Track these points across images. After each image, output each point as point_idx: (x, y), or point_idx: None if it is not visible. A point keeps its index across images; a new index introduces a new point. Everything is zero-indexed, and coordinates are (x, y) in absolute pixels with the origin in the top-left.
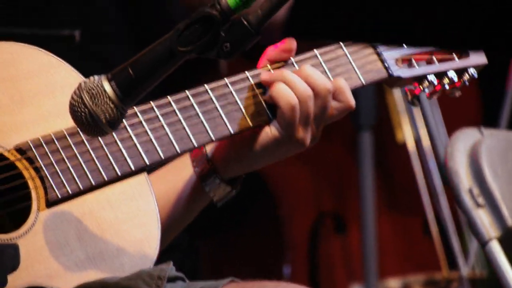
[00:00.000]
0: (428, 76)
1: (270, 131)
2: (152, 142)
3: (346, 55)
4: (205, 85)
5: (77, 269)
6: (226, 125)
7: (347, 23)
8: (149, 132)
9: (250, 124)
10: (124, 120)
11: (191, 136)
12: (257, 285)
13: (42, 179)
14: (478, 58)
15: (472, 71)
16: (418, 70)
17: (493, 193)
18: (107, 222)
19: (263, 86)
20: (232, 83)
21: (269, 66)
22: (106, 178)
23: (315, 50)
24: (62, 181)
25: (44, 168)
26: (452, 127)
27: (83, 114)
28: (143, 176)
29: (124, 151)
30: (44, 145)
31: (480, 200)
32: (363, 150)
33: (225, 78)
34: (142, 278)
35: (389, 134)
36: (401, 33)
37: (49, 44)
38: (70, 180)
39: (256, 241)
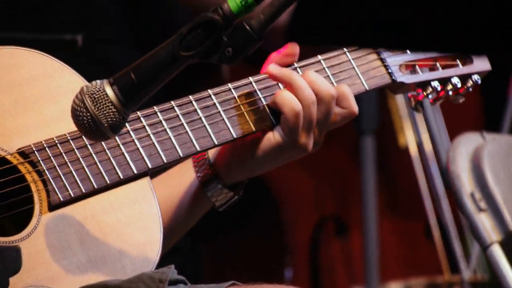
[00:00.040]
0: (431, 82)
1: (273, 137)
2: (155, 146)
3: (349, 61)
4: (209, 90)
5: (79, 272)
6: (229, 130)
7: (348, 27)
8: (152, 137)
9: (253, 128)
10: (127, 125)
11: (194, 140)
12: None
13: (45, 182)
14: (481, 65)
15: (475, 77)
16: (421, 76)
17: (495, 198)
18: (109, 225)
19: (267, 92)
20: (236, 88)
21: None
22: (108, 182)
23: (318, 56)
24: (65, 185)
25: (46, 172)
26: (454, 131)
27: (85, 118)
28: (145, 180)
29: (127, 155)
30: (47, 148)
31: (482, 204)
32: (365, 155)
33: (229, 84)
34: (144, 281)
35: (392, 139)
36: (401, 35)
37: (52, 48)
38: (73, 183)
39: (258, 245)
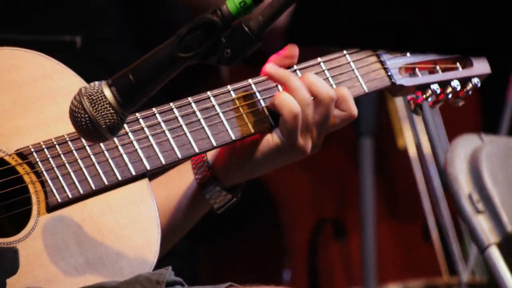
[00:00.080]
0: (431, 85)
1: (271, 139)
2: (153, 147)
3: (349, 63)
4: (208, 92)
5: (76, 273)
6: (228, 132)
7: (348, 28)
8: (151, 138)
9: (252, 130)
10: (125, 126)
11: (192, 142)
12: None
13: (43, 183)
14: (481, 68)
15: (475, 80)
16: (421, 79)
17: (492, 199)
18: (107, 227)
19: (266, 94)
20: (235, 90)
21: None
22: (107, 183)
23: (318, 58)
24: (63, 186)
25: (45, 173)
26: (452, 133)
27: (83, 119)
28: (144, 182)
29: (125, 156)
30: (45, 150)
31: (480, 206)
32: (363, 157)
33: (228, 85)
34: (141, 282)
35: (391, 141)
36: (401, 36)
37: (51, 49)
38: (71, 185)
39: (257, 247)
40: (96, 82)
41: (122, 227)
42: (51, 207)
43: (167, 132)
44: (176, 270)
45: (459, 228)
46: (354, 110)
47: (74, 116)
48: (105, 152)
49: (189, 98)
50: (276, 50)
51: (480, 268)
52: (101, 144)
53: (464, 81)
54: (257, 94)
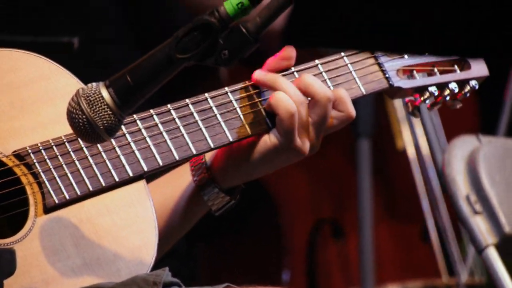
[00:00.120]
0: (429, 87)
1: (269, 139)
2: (151, 149)
3: (347, 65)
4: (206, 93)
5: (73, 274)
6: (225, 133)
7: (345, 29)
8: (148, 139)
9: (249, 132)
10: (123, 127)
11: (190, 143)
12: None
13: (40, 184)
14: (479, 70)
15: (473, 83)
16: (419, 81)
17: (490, 200)
18: (104, 228)
19: (264, 95)
20: (233, 92)
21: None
22: (104, 185)
23: (316, 60)
24: (60, 187)
25: (42, 174)
26: (450, 134)
27: (80, 121)
28: (141, 183)
29: (122, 158)
30: (42, 151)
31: (478, 207)
32: (361, 158)
33: (226, 87)
34: (138, 283)
35: (390, 142)
36: (399, 37)
37: (48, 51)
38: (68, 186)
39: (256, 248)
40: (94, 83)
41: (119, 229)
42: (48, 208)
43: (164, 133)
44: (174, 271)
45: (458, 229)
46: (352, 111)
47: (72, 117)
48: (103, 153)
49: (187, 100)
50: (276, 50)
51: (479, 269)
52: (99, 146)
53: (462, 83)
54: (255, 95)
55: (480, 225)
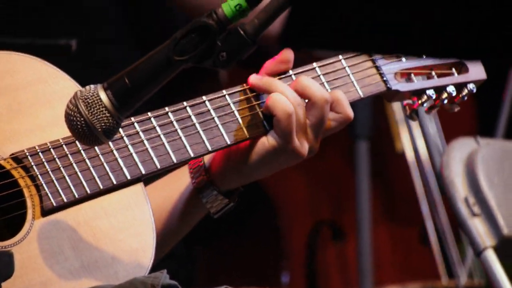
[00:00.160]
0: (427, 90)
1: (267, 141)
2: (148, 152)
3: (344, 68)
4: (203, 96)
5: (71, 277)
6: (223, 136)
7: (343, 31)
8: (146, 142)
9: (247, 135)
10: (121, 130)
11: (187, 146)
12: None
13: (38, 187)
14: (477, 73)
15: (471, 86)
16: (416, 84)
17: (488, 202)
18: (102, 231)
19: (261, 98)
20: (230, 95)
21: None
22: (102, 187)
23: (314, 63)
24: (58, 190)
25: (40, 177)
26: (448, 136)
27: (78, 123)
28: (139, 186)
29: (120, 160)
30: (40, 154)
31: (476, 209)
32: (359, 160)
33: (223, 90)
34: (136, 285)
35: (389, 145)
36: (399, 38)
37: (46, 53)
38: (66, 189)
39: (255, 250)
40: (92, 86)
41: (117, 231)
42: (46, 211)
43: (162, 136)
44: (172, 273)
45: (457, 231)
46: (350, 113)
47: (70, 119)
48: (100, 156)
49: (184, 103)
50: (274, 52)
51: (478, 271)
52: (96, 148)
53: (460, 86)
54: (252, 98)
55: (478, 227)
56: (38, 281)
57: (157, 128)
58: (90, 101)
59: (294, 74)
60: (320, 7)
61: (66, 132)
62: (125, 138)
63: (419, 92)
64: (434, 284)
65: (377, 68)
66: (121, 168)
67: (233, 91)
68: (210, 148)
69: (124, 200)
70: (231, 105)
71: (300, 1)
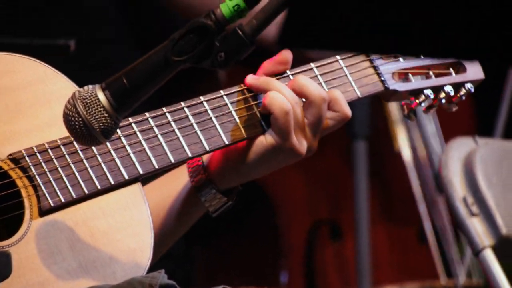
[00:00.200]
0: (424, 90)
1: (265, 140)
2: (146, 152)
3: (342, 68)
4: (201, 97)
5: (69, 277)
6: (221, 136)
7: (343, 31)
8: (143, 143)
9: (245, 135)
10: (118, 130)
11: (185, 146)
12: None
13: (35, 188)
14: (475, 73)
15: (468, 86)
16: (414, 84)
17: (487, 202)
18: (100, 231)
19: (259, 98)
20: (228, 95)
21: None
22: (99, 188)
23: (311, 63)
24: (55, 190)
25: (37, 177)
26: (447, 136)
27: (76, 123)
28: (137, 186)
29: (118, 160)
30: (37, 154)
31: (474, 208)
32: (357, 159)
33: (221, 91)
34: (134, 285)
35: (387, 144)
36: (399, 38)
37: (44, 53)
38: (64, 189)
39: (253, 249)
40: (90, 86)
41: (115, 231)
42: (43, 211)
43: (160, 136)
44: (170, 273)
45: (456, 230)
46: (348, 111)
47: (68, 119)
48: (98, 156)
49: (182, 103)
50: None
51: (477, 271)
52: (94, 149)
53: (457, 86)
54: (250, 99)
55: (477, 227)
56: (36, 281)
57: (155, 128)
58: (88, 101)
59: (292, 75)
60: (320, 7)
61: (64, 133)
62: (122, 138)
63: (417, 92)
64: (433, 283)
65: (375, 68)
66: (119, 168)
67: (230, 91)
68: (208, 148)
69: (122, 200)
70: (229, 105)
71: (299, 1)
